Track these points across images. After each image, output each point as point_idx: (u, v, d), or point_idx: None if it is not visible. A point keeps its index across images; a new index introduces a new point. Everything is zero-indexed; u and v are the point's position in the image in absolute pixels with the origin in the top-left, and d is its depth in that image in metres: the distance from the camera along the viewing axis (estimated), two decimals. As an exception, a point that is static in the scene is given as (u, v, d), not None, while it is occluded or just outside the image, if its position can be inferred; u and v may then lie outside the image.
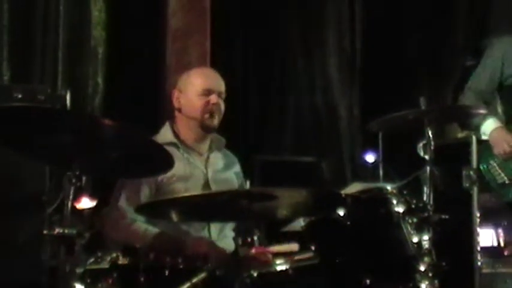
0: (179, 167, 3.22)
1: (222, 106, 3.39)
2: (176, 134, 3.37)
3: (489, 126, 3.76)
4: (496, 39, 3.98)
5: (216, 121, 3.36)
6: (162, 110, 4.35)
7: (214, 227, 3.21)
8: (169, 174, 3.18)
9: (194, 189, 3.22)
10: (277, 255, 2.80)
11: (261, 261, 2.74)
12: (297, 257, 2.76)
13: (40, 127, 2.29)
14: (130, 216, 3.08)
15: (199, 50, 4.64)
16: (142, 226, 3.08)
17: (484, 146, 3.75)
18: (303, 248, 2.83)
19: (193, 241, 3.03)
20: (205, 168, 3.35)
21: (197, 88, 3.35)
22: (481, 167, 3.70)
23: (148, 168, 2.58)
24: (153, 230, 3.09)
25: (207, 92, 3.34)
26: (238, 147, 3.59)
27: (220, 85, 3.40)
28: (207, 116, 3.33)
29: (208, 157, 3.39)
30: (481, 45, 4.12)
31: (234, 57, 5.09)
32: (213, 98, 3.33)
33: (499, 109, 3.91)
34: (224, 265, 2.62)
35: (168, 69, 4.55)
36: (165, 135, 3.35)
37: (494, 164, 3.71)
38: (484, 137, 3.74)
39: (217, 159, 3.44)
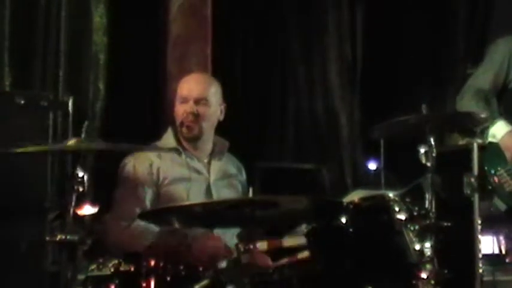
0: (179, 171, 3.22)
1: (205, 113, 3.24)
2: (179, 139, 3.32)
3: (500, 129, 3.52)
4: (500, 39, 3.77)
5: (190, 132, 3.24)
6: (162, 116, 4.35)
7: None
8: (169, 177, 3.18)
9: (195, 193, 3.21)
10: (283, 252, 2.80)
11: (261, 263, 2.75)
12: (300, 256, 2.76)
13: None
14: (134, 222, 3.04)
15: (200, 56, 4.64)
16: (141, 226, 3.02)
17: (492, 150, 3.52)
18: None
19: (201, 237, 2.99)
20: (207, 172, 3.31)
21: (178, 96, 3.30)
22: (488, 171, 3.48)
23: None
24: (155, 228, 3.02)
25: (183, 100, 3.25)
26: (239, 155, 3.58)
27: (199, 90, 3.25)
28: (179, 126, 3.26)
29: (209, 162, 3.34)
30: (484, 52, 4.02)
31: (234, 64, 5.09)
32: (188, 107, 3.22)
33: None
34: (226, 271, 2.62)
35: (168, 76, 4.55)
36: (167, 140, 3.33)
37: (502, 171, 3.48)
38: (492, 140, 3.54)
39: (220, 164, 3.37)
